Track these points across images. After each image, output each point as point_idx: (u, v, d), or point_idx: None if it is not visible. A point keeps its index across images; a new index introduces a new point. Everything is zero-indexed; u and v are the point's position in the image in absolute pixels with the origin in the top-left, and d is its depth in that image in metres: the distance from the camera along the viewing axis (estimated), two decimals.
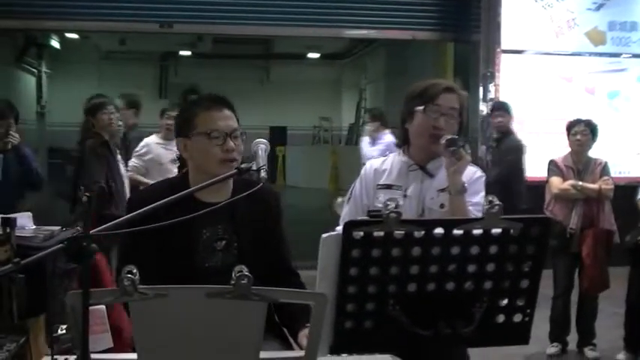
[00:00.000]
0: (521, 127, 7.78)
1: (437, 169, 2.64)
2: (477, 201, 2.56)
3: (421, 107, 2.61)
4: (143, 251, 2.14)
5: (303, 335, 2.17)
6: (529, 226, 1.76)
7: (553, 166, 5.13)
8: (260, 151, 2.08)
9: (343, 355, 1.89)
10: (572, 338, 5.17)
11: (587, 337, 5.15)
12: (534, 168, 6.50)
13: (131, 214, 1.77)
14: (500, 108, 6.43)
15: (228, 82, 15.48)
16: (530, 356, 5.03)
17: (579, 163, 5.11)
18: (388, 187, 2.68)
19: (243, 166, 2.05)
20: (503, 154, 6.19)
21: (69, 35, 14.62)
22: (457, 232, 1.72)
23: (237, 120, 2.37)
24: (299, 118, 19.52)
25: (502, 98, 7.86)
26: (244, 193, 1.92)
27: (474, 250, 1.74)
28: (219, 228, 2.31)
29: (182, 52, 17.83)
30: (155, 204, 1.81)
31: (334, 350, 1.79)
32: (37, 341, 2.55)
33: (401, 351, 1.86)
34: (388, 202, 1.71)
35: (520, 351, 4.99)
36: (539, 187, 5.41)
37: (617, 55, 8.16)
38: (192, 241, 2.27)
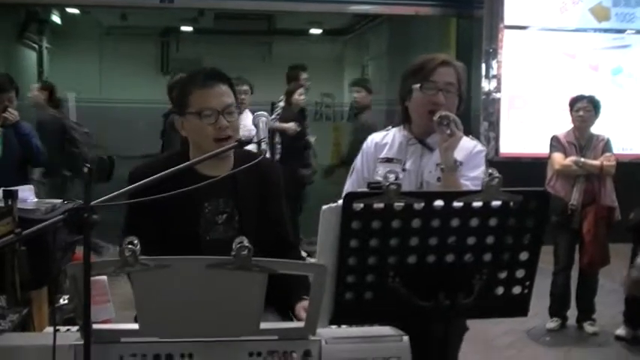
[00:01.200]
0: (524, 104, 7.79)
1: (436, 143, 2.63)
2: (475, 175, 2.56)
3: (418, 85, 2.61)
4: (146, 224, 2.15)
5: (301, 307, 2.18)
6: (528, 199, 1.77)
7: (555, 142, 5.12)
8: (261, 124, 2.10)
9: (342, 326, 1.90)
10: (572, 313, 5.19)
11: (586, 312, 5.17)
12: (537, 144, 6.49)
13: (132, 186, 1.77)
14: (358, 84, 6.54)
15: (230, 58, 15.38)
16: (529, 330, 5.06)
17: (582, 140, 5.10)
18: (388, 160, 2.70)
19: (243, 138, 2.05)
20: (358, 132, 6.24)
21: (70, 10, 14.53)
22: (457, 204, 1.73)
23: (235, 93, 2.35)
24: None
25: (505, 74, 7.85)
26: (245, 165, 1.92)
27: (474, 222, 1.75)
28: (221, 201, 2.32)
29: (183, 28, 17.71)
30: (156, 175, 1.81)
31: (334, 321, 1.81)
32: (41, 312, 2.57)
33: (400, 322, 1.86)
34: (388, 174, 1.71)
35: (520, 326, 5.03)
36: (542, 163, 5.39)
37: (621, 31, 8.10)
38: (194, 215, 2.28)
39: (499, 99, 7.82)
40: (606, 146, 5.09)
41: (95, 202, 1.65)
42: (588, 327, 5.12)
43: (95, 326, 1.66)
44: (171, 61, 18.83)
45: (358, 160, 2.77)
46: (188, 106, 2.29)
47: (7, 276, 2.45)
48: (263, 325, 1.76)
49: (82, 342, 1.63)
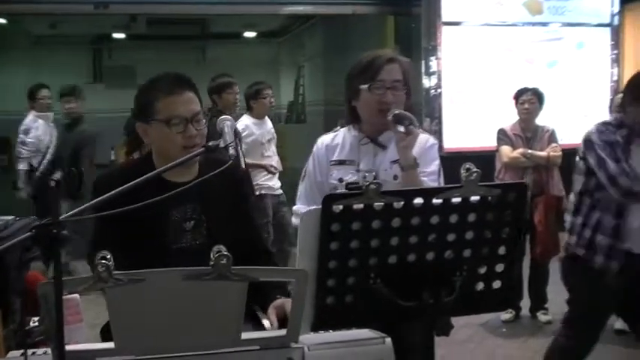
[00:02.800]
0: (465, 99, 7.88)
1: (388, 140, 2.63)
2: (432, 170, 2.56)
3: (365, 85, 2.58)
4: (113, 236, 2.06)
5: (272, 307, 2.11)
6: (506, 192, 1.76)
7: (502, 135, 5.19)
8: (226, 128, 2.03)
9: (321, 332, 1.85)
10: (525, 303, 5.26)
11: (539, 301, 5.25)
12: (483, 138, 6.57)
13: (98, 199, 1.70)
14: (69, 93, 6.92)
15: (164, 64, 15.13)
16: (485, 323, 5.11)
17: (528, 131, 5.19)
18: (341, 162, 2.66)
19: (210, 143, 1.99)
20: (77, 145, 6.54)
21: None
22: (436, 201, 1.71)
23: (200, 100, 2.28)
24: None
25: (445, 71, 7.93)
26: (216, 171, 1.86)
27: (453, 218, 1.74)
28: (188, 208, 2.25)
29: (115, 35, 17.38)
30: (123, 187, 1.74)
31: (316, 327, 1.77)
32: None
33: (383, 325, 1.83)
34: (366, 174, 1.69)
35: (475, 319, 5.07)
36: (490, 156, 5.46)
37: (553, 24, 8.28)
38: (162, 223, 2.21)
39: (440, 95, 7.89)
40: (552, 137, 5.19)
41: (64, 216, 1.57)
42: (542, 316, 5.20)
43: (68, 347, 1.57)
44: (104, 69, 18.47)
45: (310, 164, 2.72)
46: (154, 113, 2.20)
47: None
48: (244, 336, 1.70)
49: None
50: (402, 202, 1.68)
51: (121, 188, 1.71)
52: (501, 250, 1.81)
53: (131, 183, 1.73)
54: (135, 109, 2.32)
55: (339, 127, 2.78)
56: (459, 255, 1.77)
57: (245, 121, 5.89)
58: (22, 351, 1.85)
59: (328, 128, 2.89)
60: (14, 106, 16.61)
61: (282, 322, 2.02)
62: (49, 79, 17.59)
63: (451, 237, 1.75)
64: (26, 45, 16.91)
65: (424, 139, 2.66)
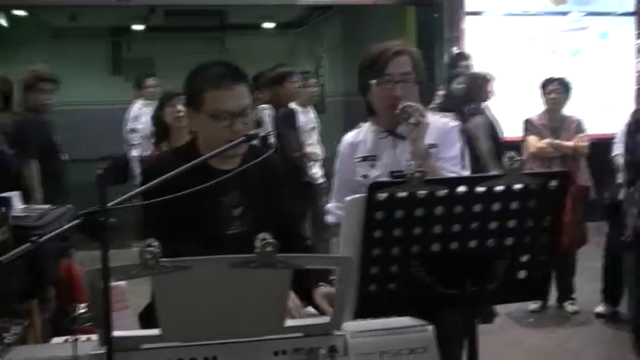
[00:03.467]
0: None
1: (405, 131, 2.58)
2: (453, 154, 2.54)
3: (374, 80, 2.56)
4: (164, 223, 2.07)
5: (320, 295, 2.13)
6: (549, 181, 1.75)
7: (529, 125, 5.17)
8: (265, 117, 2.04)
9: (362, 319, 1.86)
10: (552, 293, 5.24)
11: (566, 292, 5.24)
12: (507, 128, 6.52)
13: (146, 185, 1.71)
14: None
15: (183, 56, 15.18)
16: (511, 312, 5.10)
17: (554, 121, 5.16)
18: (365, 159, 2.65)
19: (251, 132, 2.00)
20: None
21: (16, 12, 14.16)
22: (479, 189, 1.71)
23: (250, 91, 2.26)
24: None
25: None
26: (259, 159, 1.87)
27: (496, 206, 1.73)
28: (234, 195, 2.26)
29: (134, 27, 17.44)
30: (169, 174, 1.75)
31: (358, 315, 1.77)
32: (34, 323, 2.47)
33: (425, 313, 1.83)
34: (411, 162, 1.69)
35: (501, 308, 5.02)
36: (514, 146, 5.42)
37: (577, 13, 8.21)
38: (212, 210, 2.22)
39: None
40: (579, 127, 5.16)
41: (111, 204, 1.58)
42: (569, 306, 5.19)
43: (115, 333, 1.58)
44: (123, 61, 18.54)
45: (337, 163, 2.73)
46: (202, 104, 2.19)
47: (5, 286, 2.35)
48: (288, 323, 1.71)
49: (101, 351, 1.57)
50: (446, 191, 1.68)
51: (166, 176, 1.71)
52: (543, 239, 1.81)
53: (176, 170, 1.74)
54: (185, 92, 2.31)
55: (361, 124, 2.77)
56: (501, 243, 1.77)
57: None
58: (65, 337, 1.88)
59: (348, 119, 2.92)
60: None
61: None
62: (69, 72, 17.72)
63: (493, 225, 1.75)
64: (45, 37, 17.01)
65: (444, 121, 2.64)
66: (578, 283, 5.32)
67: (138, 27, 17.34)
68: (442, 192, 1.68)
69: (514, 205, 1.74)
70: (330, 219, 2.68)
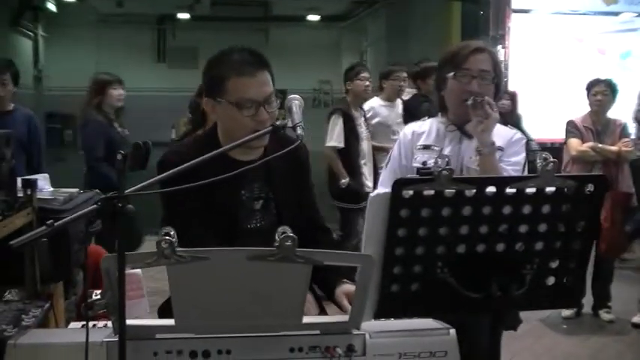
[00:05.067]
0: (532, 89, 7.68)
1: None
2: (516, 160, 2.51)
3: (451, 73, 2.56)
4: (185, 214, 2.03)
5: (341, 292, 2.08)
6: (583, 185, 1.68)
7: (572, 127, 5.04)
8: (294, 107, 1.98)
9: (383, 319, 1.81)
10: (587, 301, 5.12)
11: (602, 299, 5.10)
12: (550, 129, 6.40)
13: (165, 174, 1.67)
14: None
15: (227, 45, 15.25)
16: (545, 318, 5.00)
17: (598, 124, 5.02)
18: (426, 147, 2.65)
19: (278, 122, 1.95)
20: None
21: None
22: (509, 190, 1.64)
23: (272, 78, 2.16)
24: (299, 81, 19.32)
25: (512, 60, 7.75)
26: (283, 151, 1.82)
27: (527, 209, 1.67)
28: (256, 187, 2.20)
29: (180, 15, 17.58)
30: (186, 164, 1.71)
31: (379, 315, 1.72)
32: (58, 307, 2.47)
33: (448, 316, 1.77)
34: (438, 159, 1.63)
35: (534, 314, 4.96)
36: (556, 149, 5.31)
37: (627, 13, 8.00)
38: (233, 203, 2.15)
39: (506, 84, 7.70)
40: (623, 131, 5.02)
41: (129, 190, 1.56)
42: (604, 314, 5.06)
43: (129, 322, 1.56)
44: (168, 49, 18.71)
45: (395, 149, 2.72)
46: (224, 92, 2.10)
47: (28, 268, 2.36)
48: (306, 320, 1.67)
49: (114, 339, 1.55)
50: (474, 190, 1.62)
51: (184, 165, 1.67)
52: (575, 245, 1.73)
53: (195, 160, 1.69)
54: (204, 83, 2.20)
55: (426, 118, 2.79)
56: (531, 247, 1.71)
57: (372, 103, 5.79)
58: (82, 322, 1.86)
59: None
60: (80, 83, 16.98)
61: None
62: (114, 58, 17.93)
63: (523, 228, 1.69)
64: (92, 23, 17.23)
65: (511, 133, 2.63)
66: (616, 292, 5.18)
67: (183, 15, 17.47)
68: (470, 192, 1.62)
69: (546, 209, 1.68)
70: None
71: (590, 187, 1.68)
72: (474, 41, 2.72)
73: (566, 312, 5.05)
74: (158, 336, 1.65)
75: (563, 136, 5.21)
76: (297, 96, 2.03)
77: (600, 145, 4.91)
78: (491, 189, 1.63)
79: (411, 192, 1.60)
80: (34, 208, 2.42)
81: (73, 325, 1.91)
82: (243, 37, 18.07)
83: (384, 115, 5.73)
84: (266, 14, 18.12)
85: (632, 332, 4.87)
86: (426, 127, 2.70)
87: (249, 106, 2.07)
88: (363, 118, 5.51)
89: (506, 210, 1.66)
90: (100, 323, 1.88)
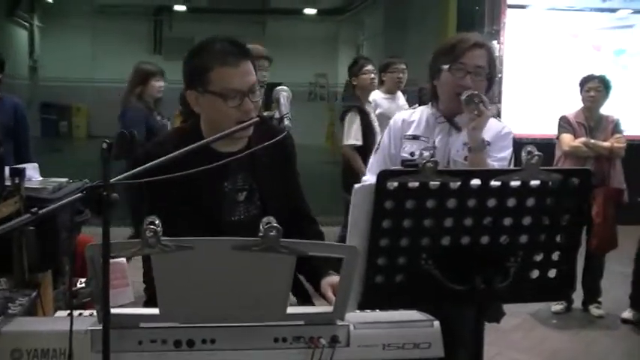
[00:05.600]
0: (526, 84, 7.70)
1: (464, 123, 2.58)
2: (502, 156, 2.52)
3: (447, 66, 2.57)
4: (162, 207, 1.98)
5: (327, 284, 2.07)
6: (568, 178, 1.69)
7: (564, 123, 5.04)
8: (282, 99, 1.99)
9: (367, 310, 1.82)
10: (578, 296, 5.14)
11: (592, 295, 5.12)
12: (543, 124, 6.41)
13: (148, 164, 1.66)
14: None
15: None
16: (534, 313, 5.01)
17: (591, 120, 5.03)
18: (415, 137, 2.65)
19: (265, 114, 1.95)
20: None
21: None
22: (494, 183, 1.65)
23: (255, 69, 2.14)
24: (295, 75, 19.30)
25: (507, 55, 7.76)
26: (270, 142, 1.82)
27: (511, 202, 1.68)
28: (239, 178, 2.18)
29: (177, 7, 17.53)
30: (169, 155, 1.70)
31: (363, 306, 1.73)
32: (46, 295, 2.47)
33: (432, 308, 1.78)
34: (423, 151, 1.63)
35: (524, 308, 4.98)
36: (549, 144, 5.32)
37: (623, 10, 8.01)
38: (215, 194, 2.14)
39: (501, 79, 7.72)
40: (616, 127, 5.03)
41: (114, 179, 1.56)
42: (594, 310, 5.07)
43: (113, 310, 1.56)
44: (164, 40, 18.66)
45: (385, 137, 2.72)
46: (207, 83, 2.07)
47: (15, 257, 2.35)
48: (290, 310, 1.67)
49: (99, 327, 1.55)
50: (459, 183, 1.63)
51: (167, 156, 1.67)
52: (559, 238, 1.74)
53: (177, 152, 1.68)
54: (185, 75, 2.16)
55: (416, 106, 2.81)
56: (515, 240, 1.71)
57: (374, 96, 5.78)
58: (67, 312, 1.87)
59: None
60: (76, 74, 16.97)
61: None
62: (110, 49, 17.87)
63: (507, 221, 1.69)
64: (88, 14, 17.18)
65: (500, 126, 2.63)
66: (607, 287, 5.20)
67: (180, 7, 17.43)
68: (455, 184, 1.63)
69: (530, 202, 1.68)
70: None
71: (574, 181, 1.68)
72: (472, 35, 2.71)
73: (556, 307, 5.07)
74: (142, 325, 1.66)
75: (556, 132, 5.22)
76: (285, 87, 2.03)
77: (592, 141, 4.92)
78: (476, 181, 1.64)
79: (395, 184, 1.60)
80: (21, 197, 2.41)
81: (60, 313, 1.91)
82: (240, 30, 18.05)
83: (385, 107, 5.73)
84: (263, 7, 18.09)
85: (622, 327, 4.88)
86: (417, 116, 2.69)
87: (233, 96, 2.05)
88: (373, 112, 5.53)
89: (491, 203, 1.66)
90: (87, 312, 1.88)
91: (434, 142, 2.59)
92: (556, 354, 4.43)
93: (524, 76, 7.75)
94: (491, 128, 2.53)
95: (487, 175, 1.65)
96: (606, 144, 4.92)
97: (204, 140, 1.85)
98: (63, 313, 1.89)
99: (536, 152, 1.65)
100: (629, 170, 5.18)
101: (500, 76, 7.75)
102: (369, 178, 2.70)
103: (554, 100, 7.13)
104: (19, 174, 2.41)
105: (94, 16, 17.34)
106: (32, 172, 2.67)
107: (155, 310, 1.64)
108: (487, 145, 2.50)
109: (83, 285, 1.58)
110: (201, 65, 2.09)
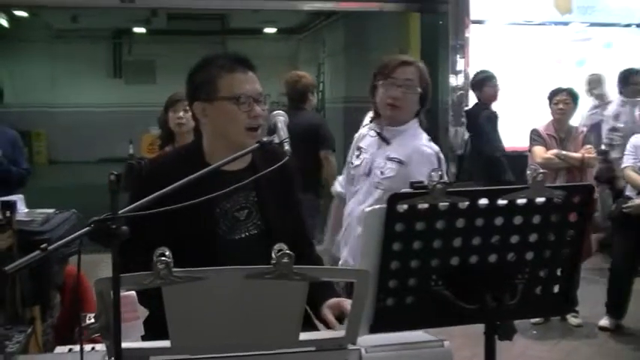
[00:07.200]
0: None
1: (393, 137, 2.94)
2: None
3: (380, 82, 2.92)
4: (157, 229, 1.93)
5: (326, 307, 2.06)
6: (572, 194, 1.71)
7: (536, 135, 5.13)
8: (279, 124, 1.99)
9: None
10: None
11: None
12: (511, 138, 6.49)
13: (158, 193, 1.64)
14: None
15: (184, 59, 15.16)
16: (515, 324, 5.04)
17: (561, 132, 5.12)
18: (359, 148, 3.05)
19: (265, 139, 1.95)
20: None
21: (17, 12, 14.09)
22: (501, 202, 1.66)
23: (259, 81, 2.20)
24: None
25: (472, 70, 7.84)
26: (274, 167, 1.81)
27: (518, 220, 1.69)
28: (240, 196, 2.17)
29: (136, 29, 17.39)
30: (179, 182, 1.69)
31: (374, 329, 1.72)
32: (36, 329, 2.42)
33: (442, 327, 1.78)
34: (432, 173, 1.64)
35: None
36: (519, 156, 5.40)
37: (582, 24, 8.19)
38: (211, 213, 2.12)
39: (467, 94, 7.80)
40: (586, 138, 5.11)
41: (122, 211, 1.54)
42: (572, 319, 5.13)
43: (123, 345, 1.53)
44: (124, 64, 18.50)
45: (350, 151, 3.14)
46: (217, 91, 2.10)
47: (9, 292, 2.30)
48: (302, 337, 1.66)
49: None
50: (467, 202, 1.64)
51: (178, 183, 1.66)
52: (565, 254, 1.77)
53: (185, 180, 1.69)
54: (189, 90, 2.19)
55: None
56: (522, 257, 1.73)
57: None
58: (69, 347, 1.84)
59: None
60: (35, 99, 16.71)
61: (339, 321, 1.98)
62: (69, 73, 17.64)
63: (514, 239, 1.71)
64: (47, 38, 16.97)
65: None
66: (582, 296, 5.25)
67: (139, 29, 17.29)
68: (464, 204, 1.64)
69: (536, 219, 1.70)
70: (331, 188, 3.31)
71: (577, 197, 1.71)
72: (401, 55, 3.12)
73: (535, 318, 5.11)
74: (152, 359, 1.63)
75: (525, 145, 5.30)
76: (282, 112, 2.04)
77: (564, 152, 5.01)
78: (484, 201, 1.65)
79: (405, 206, 1.60)
80: (14, 231, 2.36)
81: (60, 349, 1.87)
82: (200, 51, 17.97)
83: None
84: (223, 27, 18.04)
85: (600, 335, 4.95)
86: (366, 130, 3.08)
87: (244, 100, 2.10)
88: None
89: (498, 221, 1.67)
90: (87, 347, 1.84)
91: (367, 151, 2.96)
92: None
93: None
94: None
95: (494, 193, 1.66)
96: (578, 155, 5.01)
97: (213, 166, 1.85)
98: (63, 349, 1.86)
99: (541, 170, 1.67)
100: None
101: (464, 92, 7.85)
102: (337, 181, 3.30)
103: (521, 113, 7.23)
104: (11, 207, 2.35)
105: (53, 41, 17.12)
106: (18, 203, 2.61)
107: (166, 343, 1.61)
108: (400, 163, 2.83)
109: (92, 320, 1.54)
110: (209, 76, 2.13)
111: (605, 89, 7.06)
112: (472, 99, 6.78)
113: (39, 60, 16.92)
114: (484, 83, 5.87)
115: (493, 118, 5.75)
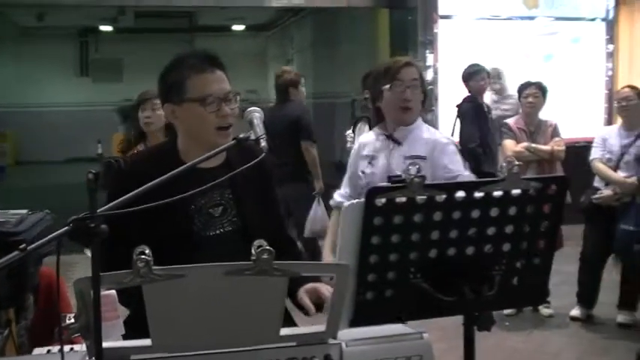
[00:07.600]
0: (461, 93, 7.84)
1: (403, 137, 2.89)
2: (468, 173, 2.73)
3: (387, 86, 2.86)
4: (134, 227, 1.90)
5: (303, 291, 2.03)
6: (547, 186, 1.74)
7: (506, 129, 5.19)
8: (255, 120, 1.99)
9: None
10: None
11: None
12: None
13: (137, 190, 1.64)
14: None
15: (152, 57, 15.05)
16: None
17: (531, 125, 5.18)
18: (367, 156, 2.97)
19: (241, 136, 1.94)
20: None
21: None
22: (478, 194, 1.68)
23: (228, 80, 2.19)
24: None
25: (441, 64, 7.90)
26: (251, 163, 1.81)
27: (494, 212, 1.72)
28: (215, 193, 2.16)
29: (103, 28, 17.23)
30: (155, 181, 1.69)
31: (355, 323, 1.74)
32: (12, 332, 2.39)
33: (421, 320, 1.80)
34: (410, 167, 1.66)
35: None
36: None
37: (548, 18, 8.29)
38: (186, 210, 2.12)
39: (437, 89, 7.86)
40: (555, 131, 5.19)
41: (101, 210, 1.53)
42: (544, 310, 5.19)
43: (104, 344, 1.52)
44: (91, 62, 18.32)
45: (350, 159, 3.09)
46: (185, 92, 2.10)
47: None
48: (283, 332, 1.66)
49: None
50: (444, 195, 1.65)
51: (156, 181, 1.66)
52: (540, 244, 1.79)
53: (163, 177, 1.68)
54: (161, 90, 2.19)
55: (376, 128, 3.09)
56: (499, 249, 1.75)
57: None
58: (47, 348, 1.82)
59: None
60: (0, 99, 16.48)
61: (317, 306, 1.97)
62: (35, 72, 17.42)
63: (491, 231, 1.73)
64: (12, 37, 16.72)
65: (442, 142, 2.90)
66: (554, 287, 5.30)
67: (106, 28, 17.13)
68: (441, 197, 1.65)
69: (512, 211, 1.73)
70: (330, 201, 3.18)
71: (553, 188, 1.74)
72: (402, 57, 3.06)
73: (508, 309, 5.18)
74: (133, 357, 1.62)
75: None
76: (257, 108, 2.04)
77: (534, 145, 5.07)
78: (460, 194, 1.67)
79: (384, 200, 1.62)
80: None
81: (38, 351, 1.86)
82: (168, 48, 17.86)
83: None
84: (191, 25, 17.96)
85: (572, 325, 5.02)
86: (370, 137, 3.04)
87: (211, 101, 2.10)
88: None
89: (475, 213, 1.70)
90: (66, 347, 1.82)
91: (378, 158, 2.91)
92: (513, 355, 4.53)
93: (460, 85, 7.90)
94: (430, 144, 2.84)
95: (471, 186, 1.69)
96: (547, 148, 5.08)
97: (189, 164, 1.84)
98: (42, 351, 1.84)
99: (516, 162, 1.70)
100: (568, 172, 5.33)
101: (433, 86, 7.89)
102: (337, 192, 3.13)
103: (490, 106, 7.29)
104: None
105: (18, 40, 16.88)
106: None
107: (147, 341, 1.61)
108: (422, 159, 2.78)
109: (72, 320, 1.53)
110: (178, 77, 2.13)
111: (505, 83, 7.17)
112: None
113: (4, 59, 16.67)
114: (470, 77, 5.86)
115: (475, 110, 5.71)
